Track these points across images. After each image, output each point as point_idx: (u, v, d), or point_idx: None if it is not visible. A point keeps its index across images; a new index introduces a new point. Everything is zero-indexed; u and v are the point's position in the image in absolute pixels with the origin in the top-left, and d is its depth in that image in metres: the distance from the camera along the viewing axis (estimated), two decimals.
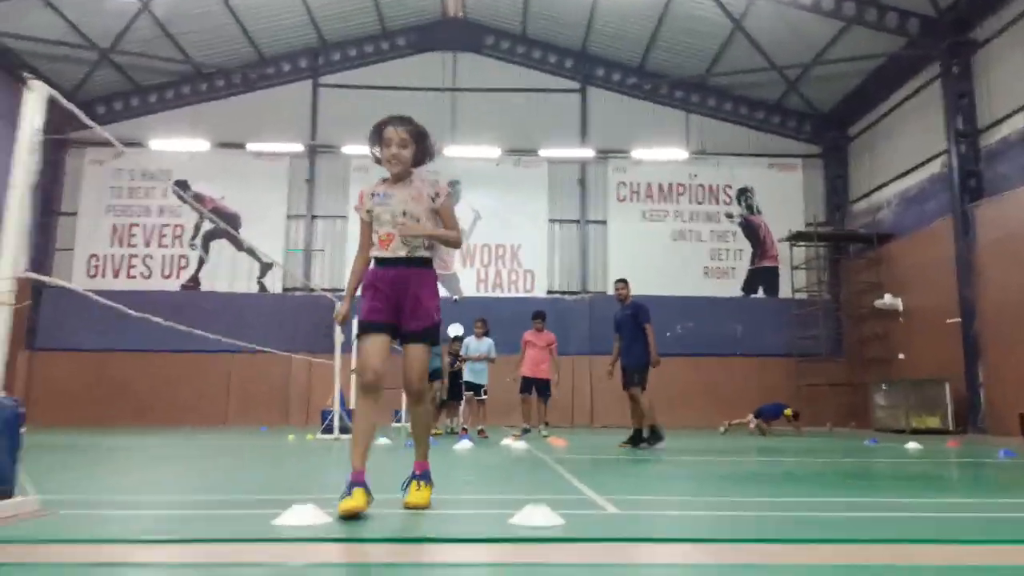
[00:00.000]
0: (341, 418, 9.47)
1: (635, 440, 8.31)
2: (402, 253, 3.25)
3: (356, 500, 2.86)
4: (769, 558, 2.27)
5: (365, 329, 3.22)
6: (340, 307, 3.43)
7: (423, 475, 3.22)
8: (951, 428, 13.50)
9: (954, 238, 13.93)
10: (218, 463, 6.18)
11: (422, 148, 3.36)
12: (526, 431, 10.03)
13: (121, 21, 16.07)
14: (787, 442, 10.37)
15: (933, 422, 13.75)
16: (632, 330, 8.49)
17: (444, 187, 3.43)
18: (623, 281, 8.98)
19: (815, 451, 8.00)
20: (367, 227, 3.37)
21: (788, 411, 13.38)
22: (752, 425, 13.23)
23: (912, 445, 8.08)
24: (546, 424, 10.82)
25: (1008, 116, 13.15)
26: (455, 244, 3.41)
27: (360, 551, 2.42)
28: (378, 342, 3.19)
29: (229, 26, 17.30)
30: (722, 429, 13.80)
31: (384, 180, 3.41)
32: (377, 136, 3.33)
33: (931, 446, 8.43)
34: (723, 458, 6.87)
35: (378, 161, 3.36)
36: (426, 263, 3.33)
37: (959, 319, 13.77)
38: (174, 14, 16.31)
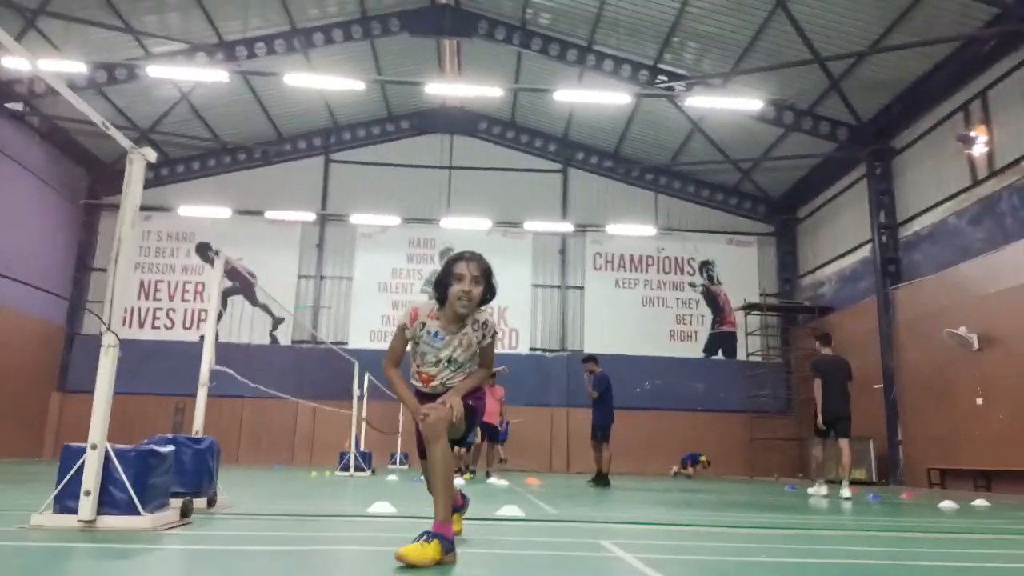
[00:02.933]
0: (355, 458, 11.47)
1: (598, 480, 10.41)
2: (440, 390, 3.16)
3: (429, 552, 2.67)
4: (622, 535, 4.38)
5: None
6: (418, 408, 3.05)
7: (435, 534, 2.75)
8: (874, 480, 15.61)
9: (878, 315, 16.24)
10: (289, 487, 8.15)
11: (489, 287, 3.14)
12: (472, 473, 11.87)
13: (162, 107, 18.41)
14: (712, 484, 12.44)
15: (860, 474, 15.83)
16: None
17: (493, 325, 3.25)
18: (584, 360, 11.38)
19: (732, 492, 10.10)
20: (404, 344, 3.20)
21: (703, 458, 17.48)
22: (674, 470, 17.48)
23: (813, 490, 10.20)
24: (502, 461, 12.69)
25: (921, 213, 15.58)
26: (484, 380, 3.31)
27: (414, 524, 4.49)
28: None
29: (254, 110, 19.68)
30: (672, 472, 16.81)
31: (438, 313, 3.15)
32: (445, 272, 3.11)
33: (836, 493, 10.53)
34: (653, 492, 8.94)
35: (440, 300, 3.12)
36: None
37: (882, 385, 16.00)
38: (207, 101, 18.67)
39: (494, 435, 12.46)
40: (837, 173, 18.54)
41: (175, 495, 3.74)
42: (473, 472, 12.74)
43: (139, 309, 20.15)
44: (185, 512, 3.62)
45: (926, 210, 15.36)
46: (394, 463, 16.22)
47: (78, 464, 3.11)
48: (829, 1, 13.56)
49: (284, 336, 20.46)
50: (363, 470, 11.73)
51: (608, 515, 5.56)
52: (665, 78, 16.94)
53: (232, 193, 20.78)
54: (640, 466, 19.10)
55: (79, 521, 3.08)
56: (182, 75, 15.49)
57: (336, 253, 20.97)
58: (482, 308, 3.17)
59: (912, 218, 15.85)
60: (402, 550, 2.61)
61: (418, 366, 3.21)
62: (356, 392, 12.17)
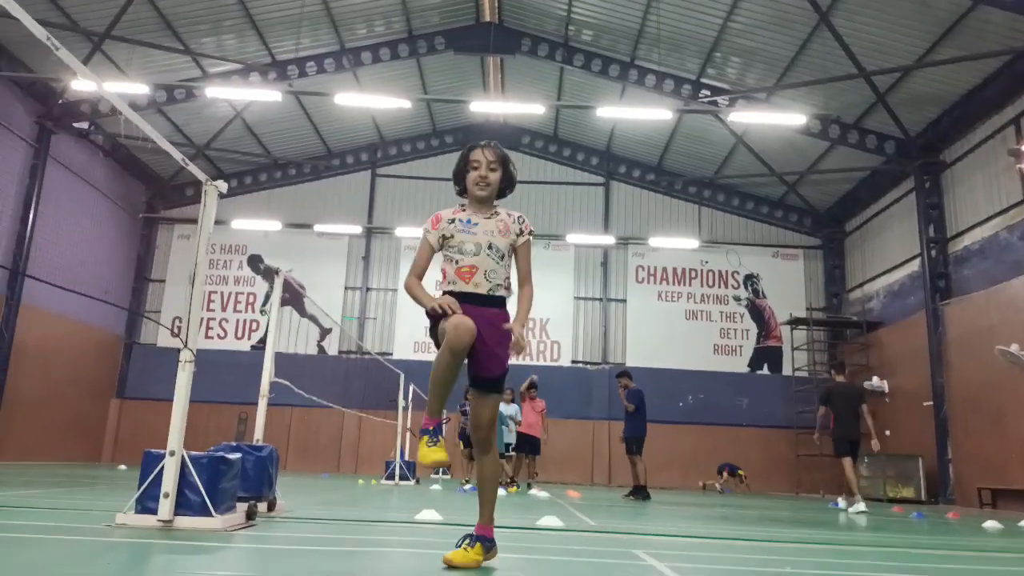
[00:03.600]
0: (400, 467, 11.78)
1: (636, 493, 10.51)
2: (484, 290, 3.01)
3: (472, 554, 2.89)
4: (655, 546, 4.53)
5: (455, 311, 2.88)
6: (448, 303, 2.90)
7: (481, 538, 2.92)
8: (923, 499, 15.31)
9: (927, 331, 15.97)
10: (340, 494, 8.47)
11: (507, 174, 3.14)
12: (513, 482, 12.07)
13: (217, 124, 19.15)
14: (754, 500, 12.38)
15: (908, 492, 15.56)
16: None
17: (529, 223, 3.18)
18: (619, 376, 11.50)
19: (773, 508, 10.08)
20: (430, 253, 3.13)
21: (741, 471, 17.53)
22: (701, 484, 17.79)
23: (854, 509, 10.14)
24: (534, 476, 12.82)
25: (971, 227, 15.29)
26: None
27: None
28: (470, 321, 2.85)
29: (304, 126, 20.31)
30: (701, 485, 17.25)
31: (462, 207, 3.16)
32: (463, 161, 3.12)
33: (882, 510, 10.44)
34: (693, 506, 9.01)
35: (461, 193, 3.16)
36: (503, 304, 3.08)
37: (931, 403, 15.71)
38: (260, 118, 19.35)
39: (535, 447, 12.63)
40: (885, 186, 18.30)
41: (240, 499, 4.03)
42: (518, 484, 12.91)
43: None
44: (250, 515, 3.91)
45: (977, 224, 15.08)
46: (437, 473, 16.48)
47: (157, 468, 3.42)
48: (873, 16, 13.48)
49: (331, 346, 20.97)
50: (408, 479, 12.03)
51: (644, 527, 5.70)
52: (708, 92, 16.99)
53: (282, 207, 21.44)
54: (682, 480, 19.05)
55: (158, 521, 3.38)
56: (239, 95, 16.17)
57: (382, 265, 21.44)
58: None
59: (962, 232, 15.57)
60: (448, 555, 2.82)
61: (457, 264, 3.07)
62: (401, 403, 12.49)
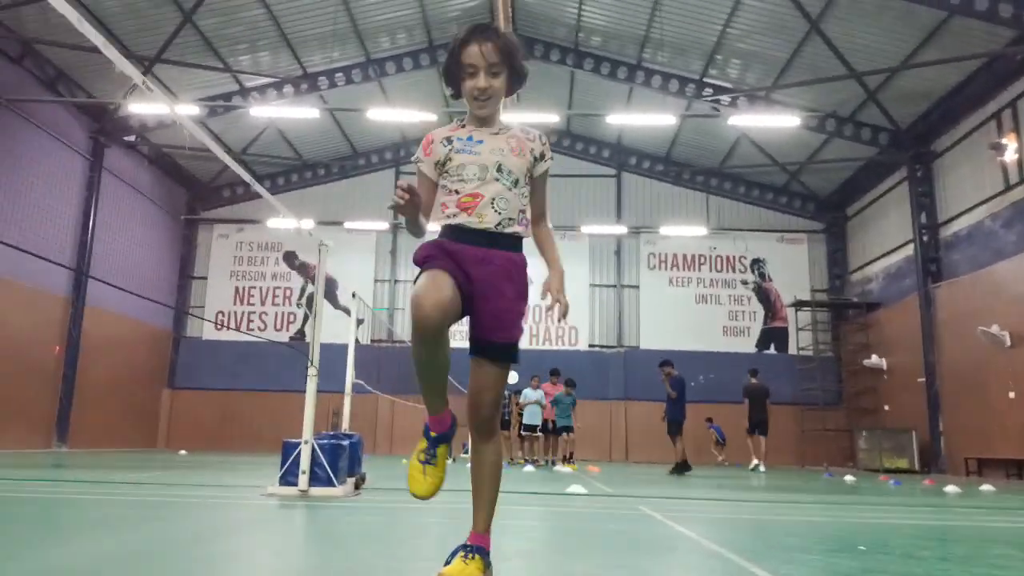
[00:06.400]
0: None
1: (678, 469, 11.90)
2: (491, 224, 2.32)
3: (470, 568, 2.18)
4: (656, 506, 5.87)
5: (428, 267, 2.26)
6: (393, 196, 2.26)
7: (476, 548, 2.25)
8: (917, 469, 16.58)
9: (920, 312, 17.12)
10: (395, 471, 9.88)
11: (515, 71, 2.37)
12: (535, 461, 13.69)
13: (253, 132, 20.51)
14: (757, 472, 13.72)
15: (903, 463, 16.83)
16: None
17: (549, 145, 2.49)
18: (661, 365, 12.90)
19: (772, 478, 11.42)
20: (430, 188, 2.43)
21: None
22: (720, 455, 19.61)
23: (848, 478, 11.49)
24: (567, 458, 14.34)
25: (960, 214, 16.35)
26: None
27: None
28: (445, 279, 2.21)
29: (332, 130, 21.62)
30: (720, 457, 18.89)
31: (461, 122, 2.46)
32: (454, 61, 2.35)
33: (869, 480, 11.76)
34: (699, 477, 10.36)
35: (455, 96, 2.41)
36: (518, 244, 2.40)
37: (924, 379, 16.90)
38: (291, 124, 20.67)
39: (557, 428, 14.05)
40: (881, 174, 19.35)
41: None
42: (544, 462, 14.34)
43: (235, 313, 22.42)
44: (357, 485, 5.28)
45: (964, 212, 16.12)
46: (465, 453, 17.99)
47: (295, 452, 4.79)
48: (861, 22, 14.52)
49: (363, 336, 22.42)
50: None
51: (652, 492, 7.06)
52: (711, 91, 18.08)
53: (313, 205, 22.79)
54: (696, 456, 20.29)
55: (298, 491, 4.76)
56: (280, 112, 17.54)
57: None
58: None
59: (952, 219, 16.62)
60: (444, 570, 2.17)
61: (457, 193, 2.34)
62: None
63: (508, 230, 2.35)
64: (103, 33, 15.21)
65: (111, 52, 3.46)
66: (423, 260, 2.30)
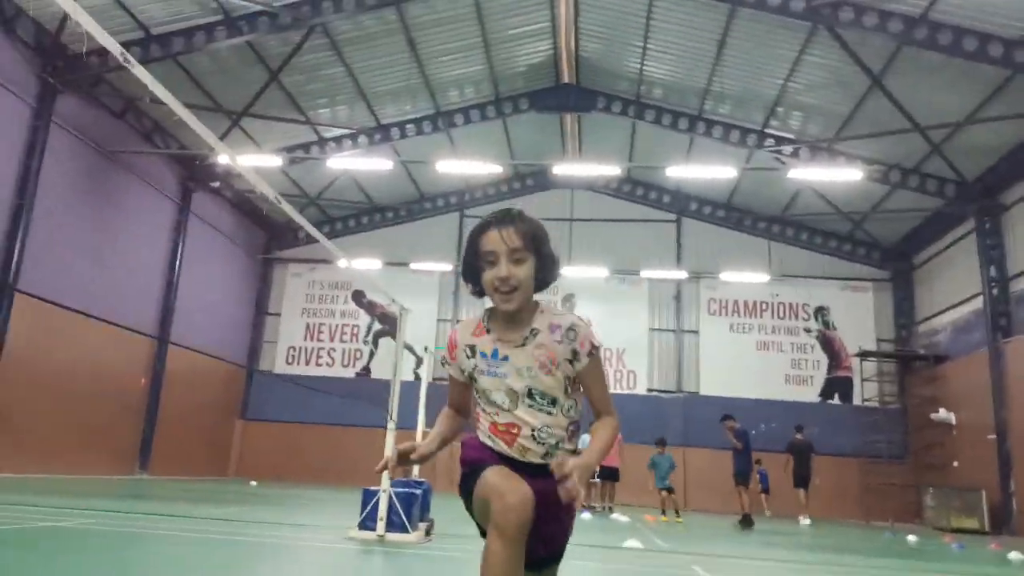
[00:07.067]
0: None
1: (745, 521, 11.99)
2: (536, 458, 2.07)
3: None
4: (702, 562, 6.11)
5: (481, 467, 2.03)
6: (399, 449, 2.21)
7: None
8: (987, 530, 16.03)
9: (989, 367, 16.71)
10: (458, 513, 10.30)
11: (544, 258, 2.09)
12: (592, 508, 13.81)
13: (327, 179, 21.65)
14: (819, 528, 13.57)
15: (971, 523, 16.29)
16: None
17: (588, 333, 2.09)
18: (723, 420, 13.18)
19: (832, 535, 11.36)
20: (461, 385, 2.22)
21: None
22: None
23: (911, 538, 11.34)
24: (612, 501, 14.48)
25: None
26: (615, 435, 2.14)
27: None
28: (515, 475, 1.99)
29: (400, 175, 22.58)
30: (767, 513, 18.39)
31: (485, 322, 2.16)
32: (473, 251, 2.10)
33: (934, 540, 11.58)
34: (760, 533, 10.42)
35: (477, 293, 2.14)
36: None
37: (995, 436, 16.43)
38: (364, 172, 21.73)
39: (614, 475, 14.23)
40: (948, 225, 19.06)
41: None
42: (601, 508, 14.52)
43: (305, 349, 23.40)
44: (428, 532, 5.73)
45: None
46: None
47: (374, 500, 5.28)
48: (923, 78, 14.59)
49: (426, 374, 23.00)
50: None
51: (706, 549, 7.27)
52: (772, 141, 18.28)
53: (381, 246, 23.71)
54: (769, 507, 20.07)
55: (376, 535, 5.23)
56: (356, 164, 18.70)
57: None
58: (559, 310, 2.15)
59: (1022, 273, 16.30)
60: None
61: (490, 415, 2.13)
62: None
63: (559, 452, 2.09)
64: (195, 88, 16.50)
65: (181, 110, 3.73)
66: (478, 462, 2.07)
